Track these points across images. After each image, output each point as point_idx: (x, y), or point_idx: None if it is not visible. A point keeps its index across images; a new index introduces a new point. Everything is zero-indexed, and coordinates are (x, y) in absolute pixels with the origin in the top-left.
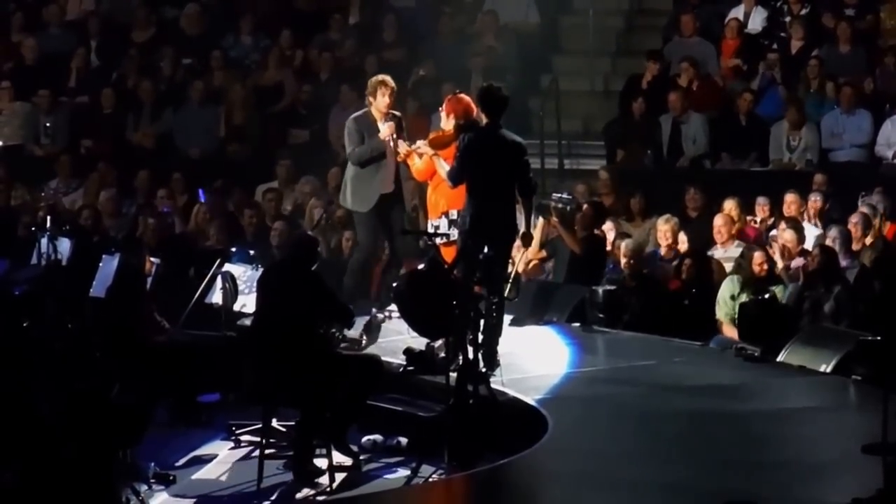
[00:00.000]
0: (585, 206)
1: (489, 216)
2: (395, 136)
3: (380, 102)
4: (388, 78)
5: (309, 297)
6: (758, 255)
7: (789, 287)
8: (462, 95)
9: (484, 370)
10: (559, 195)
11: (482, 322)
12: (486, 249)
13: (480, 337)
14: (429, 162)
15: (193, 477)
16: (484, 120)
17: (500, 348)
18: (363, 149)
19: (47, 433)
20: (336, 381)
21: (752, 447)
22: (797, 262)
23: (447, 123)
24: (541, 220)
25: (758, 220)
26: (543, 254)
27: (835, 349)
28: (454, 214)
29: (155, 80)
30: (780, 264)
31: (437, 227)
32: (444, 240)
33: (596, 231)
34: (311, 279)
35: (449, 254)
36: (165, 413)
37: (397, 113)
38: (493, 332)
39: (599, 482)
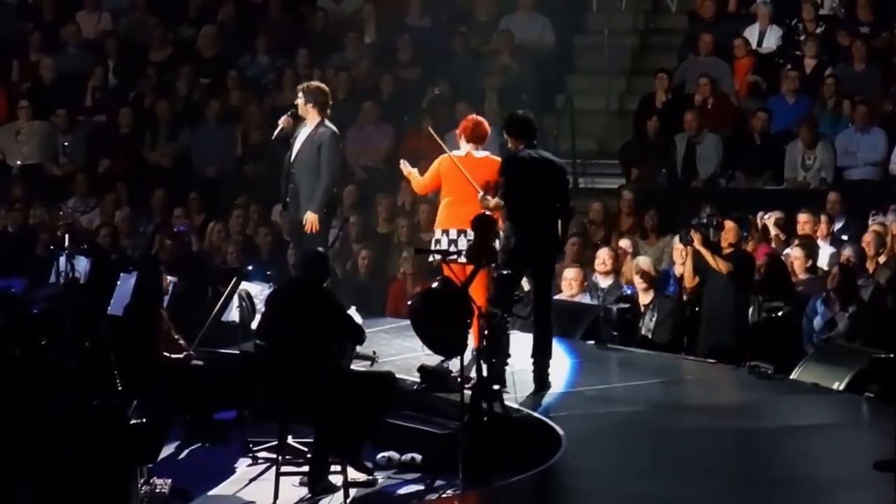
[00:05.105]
0: (728, 221)
1: (534, 237)
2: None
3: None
4: (307, 84)
5: (320, 314)
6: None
7: (806, 304)
8: (472, 115)
9: (496, 387)
10: (697, 218)
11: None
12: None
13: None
14: (430, 176)
15: (210, 493)
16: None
17: (514, 366)
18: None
19: (64, 451)
20: (350, 398)
21: (764, 464)
22: (806, 278)
23: (462, 144)
24: (688, 248)
25: (770, 219)
26: (696, 280)
27: (848, 367)
28: (454, 234)
29: (172, 99)
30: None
31: (437, 242)
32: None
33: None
34: (322, 296)
35: (456, 272)
36: (182, 430)
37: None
38: (504, 350)
39: (612, 499)
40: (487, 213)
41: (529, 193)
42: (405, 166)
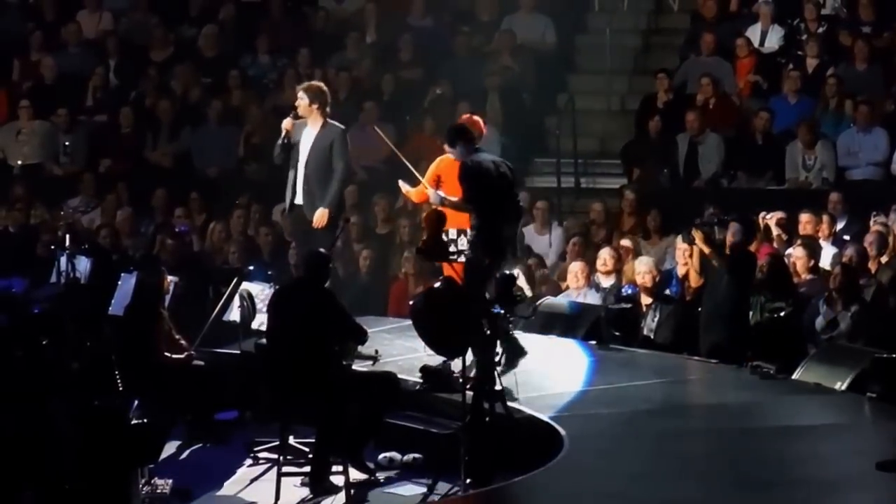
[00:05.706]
0: (732, 221)
1: (501, 237)
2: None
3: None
4: (308, 84)
5: (322, 315)
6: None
7: (807, 304)
8: (466, 115)
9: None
10: (700, 217)
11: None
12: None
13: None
14: (429, 180)
15: (211, 494)
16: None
17: (519, 366)
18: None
19: (65, 451)
20: (352, 398)
21: (766, 465)
22: (808, 278)
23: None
24: (694, 247)
25: (772, 219)
26: (702, 280)
27: (850, 367)
28: (454, 234)
29: (172, 99)
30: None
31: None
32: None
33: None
34: (324, 296)
35: (458, 271)
36: (183, 430)
37: (300, 116)
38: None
39: (615, 500)
40: (438, 208)
41: (493, 196)
42: (403, 186)
